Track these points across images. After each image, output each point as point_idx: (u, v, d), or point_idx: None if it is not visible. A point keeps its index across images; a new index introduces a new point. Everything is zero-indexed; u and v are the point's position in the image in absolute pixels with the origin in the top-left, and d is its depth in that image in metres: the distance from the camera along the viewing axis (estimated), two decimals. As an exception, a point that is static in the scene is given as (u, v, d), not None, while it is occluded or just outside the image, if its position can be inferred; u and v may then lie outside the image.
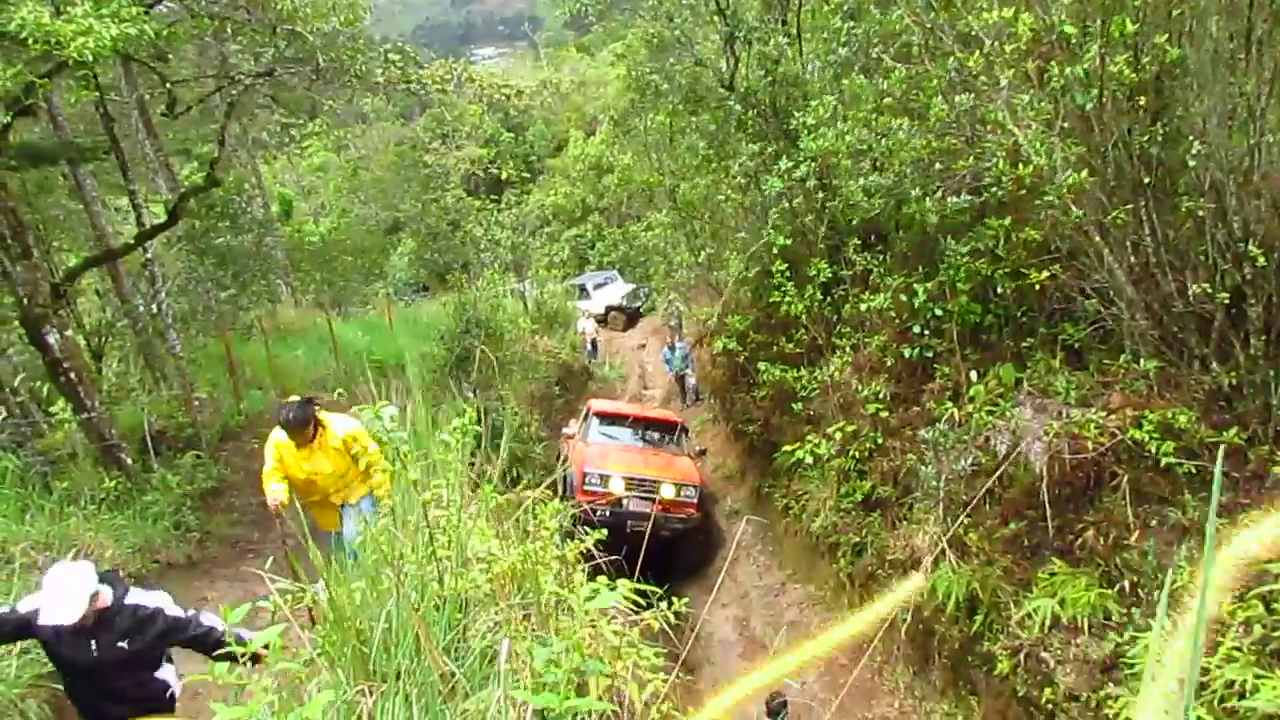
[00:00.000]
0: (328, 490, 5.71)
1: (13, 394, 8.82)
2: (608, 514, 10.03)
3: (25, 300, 7.93)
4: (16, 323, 8.86)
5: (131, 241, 10.79)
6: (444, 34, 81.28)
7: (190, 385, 11.06)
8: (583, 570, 3.51)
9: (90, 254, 11.01)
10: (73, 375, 8.19)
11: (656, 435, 12.97)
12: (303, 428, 5.40)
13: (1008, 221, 7.29)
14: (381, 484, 4.68)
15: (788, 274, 9.88)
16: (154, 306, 12.01)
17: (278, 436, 5.57)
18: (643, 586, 3.20)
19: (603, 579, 3.35)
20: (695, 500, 11.51)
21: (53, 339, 8.05)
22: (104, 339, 11.79)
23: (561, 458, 12.50)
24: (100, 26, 6.44)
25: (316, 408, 5.56)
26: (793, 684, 7.92)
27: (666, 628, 3.28)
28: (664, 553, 10.34)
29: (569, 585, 3.29)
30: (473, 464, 3.81)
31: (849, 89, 9.20)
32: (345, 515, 5.78)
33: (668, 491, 11.13)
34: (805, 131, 9.15)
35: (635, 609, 3.30)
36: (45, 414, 9.05)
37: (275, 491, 5.49)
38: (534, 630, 2.84)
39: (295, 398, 5.74)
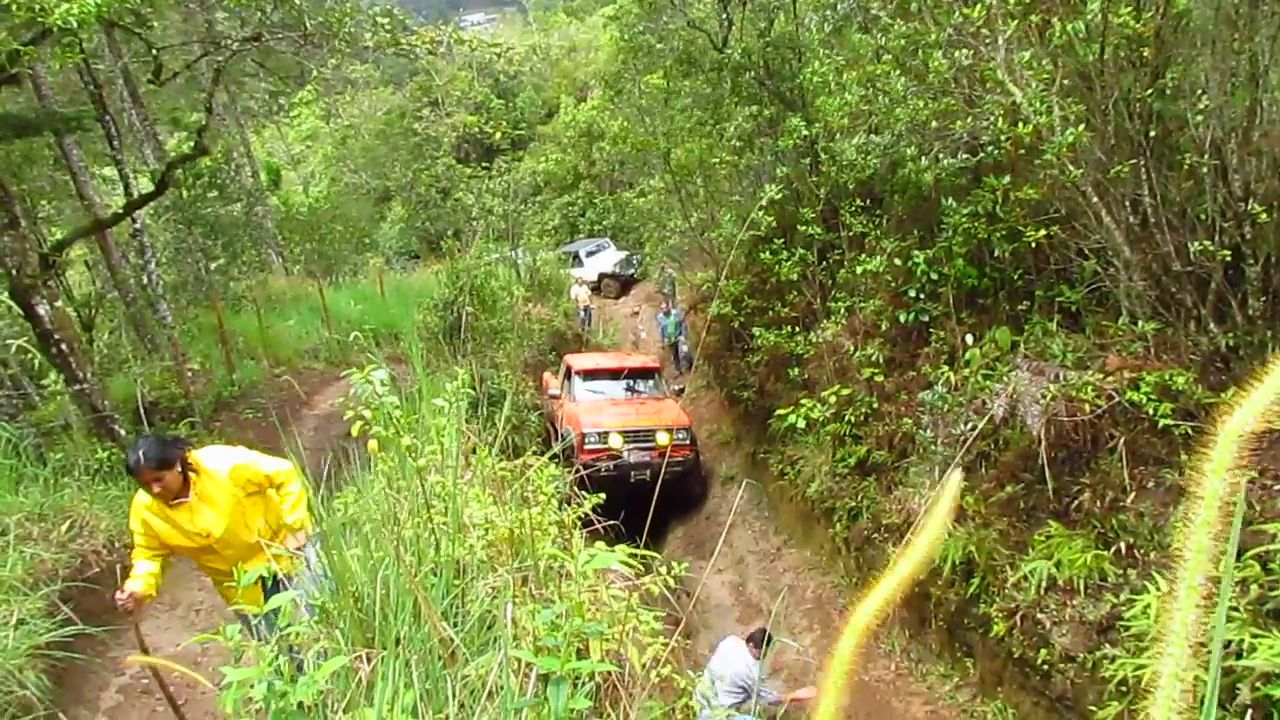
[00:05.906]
0: (237, 557, 3.83)
1: (4, 366, 8.75)
2: (611, 468, 10.76)
3: (14, 271, 7.83)
4: (6, 294, 8.76)
5: (120, 211, 10.66)
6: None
7: (182, 356, 10.97)
8: (581, 535, 3.49)
9: (79, 224, 10.88)
10: (64, 346, 8.10)
11: (638, 383, 13.37)
12: (157, 471, 3.71)
13: (1005, 181, 7.23)
14: (301, 522, 3.97)
15: (783, 236, 9.84)
16: (144, 277, 11.90)
17: (140, 500, 3.89)
18: (641, 551, 3.19)
19: (601, 544, 3.34)
20: (688, 441, 12.05)
21: (43, 310, 7.95)
22: (94, 310, 11.69)
23: (553, 420, 12.61)
24: (84, -9, 6.29)
25: (187, 448, 3.91)
26: (791, 644, 7.99)
27: (666, 593, 3.28)
28: (668, 492, 10.89)
29: (567, 549, 3.27)
30: (470, 423, 3.77)
31: (847, 47, 9.08)
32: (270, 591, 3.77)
33: (663, 438, 11.59)
34: (814, 92, 9.06)
35: (636, 574, 3.29)
36: (37, 386, 8.98)
37: (132, 580, 3.76)
38: (532, 595, 2.83)
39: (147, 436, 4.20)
